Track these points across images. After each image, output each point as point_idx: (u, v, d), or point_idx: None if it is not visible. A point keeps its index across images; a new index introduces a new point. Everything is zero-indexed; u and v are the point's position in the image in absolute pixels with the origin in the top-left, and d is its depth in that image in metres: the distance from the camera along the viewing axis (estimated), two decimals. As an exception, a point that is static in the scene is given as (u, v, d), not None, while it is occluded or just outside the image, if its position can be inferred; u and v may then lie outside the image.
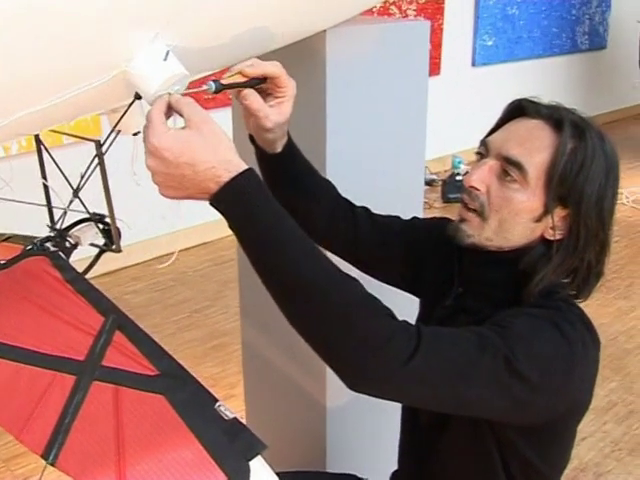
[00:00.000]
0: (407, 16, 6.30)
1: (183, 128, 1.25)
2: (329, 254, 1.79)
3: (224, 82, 1.39)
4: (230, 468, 1.12)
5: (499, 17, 7.25)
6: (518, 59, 7.61)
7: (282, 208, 1.31)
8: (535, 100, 1.54)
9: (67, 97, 1.17)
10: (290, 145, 1.65)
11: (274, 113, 1.50)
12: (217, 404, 1.19)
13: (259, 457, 1.14)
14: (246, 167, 1.26)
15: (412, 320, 1.73)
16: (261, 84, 1.46)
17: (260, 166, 1.66)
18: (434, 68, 6.70)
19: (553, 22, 7.93)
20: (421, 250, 1.75)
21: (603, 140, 1.48)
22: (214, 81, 1.36)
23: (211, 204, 1.28)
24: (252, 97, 1.46)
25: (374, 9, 5.95)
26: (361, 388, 1.32)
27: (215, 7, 1.29)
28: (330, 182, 1.80)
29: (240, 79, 1.42)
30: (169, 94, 1.26)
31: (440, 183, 6.49)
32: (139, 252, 4.89)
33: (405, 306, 1.83)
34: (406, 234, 1.79)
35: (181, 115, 1.26)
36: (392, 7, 6.22)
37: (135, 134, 1.58)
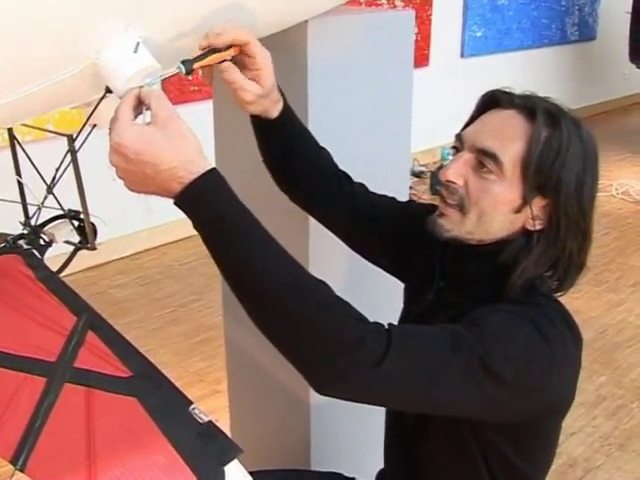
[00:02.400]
0: (395, 7, 6.28)
1: (149, 124, 1.23)
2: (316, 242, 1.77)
3: (197, 64, 1.35)
4: (203, 472, 1.10)
5: (488, 8, 7.26)
6: (507, 50, 7.62)
7: (247, 209, 1.28)
8: (508, 91, 1.53)
9: (35, 90, 1.14)
10: (286, 112, 1.63)
11: (252, 86, 1.49)
12: (191, 407, 1.17)
13: (235, 461, 1.12)
14: (209, 168, 1.24)
15: (396, 313, 1.72)
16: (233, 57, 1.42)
17: (253, 130, 1.67)
18: (423, 59, 6.69)
19: (542, 13, 7.95)
20: (411, 235, 1.73)
21: (579, 127, 1.46)
22: (183, 62, 1.32)
23: (175, 204, 1.26)
24: (231, 70, 1.44)
25: (362, 0, 5.93)
26: (329, 392, 1.30)
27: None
28: (327, 152, 1.79)
29: (213, 59, 1.38)
30: (140, 87, 1.23)
31: (429, 175, 6.48)
32: (125, 246, 4.87)
33: (390, 299, 1.82)
34: (399, 216, 1.78)
35: (149, 108, 1.24)
36: (380, -3, 6.20)
37: (112, 128, 1.55)
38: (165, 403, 1.18)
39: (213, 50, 1.38)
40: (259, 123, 1.63)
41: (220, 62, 1.40)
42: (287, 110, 1.63)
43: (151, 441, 1.13)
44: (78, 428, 1.16)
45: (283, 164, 1.75)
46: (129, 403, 1.18)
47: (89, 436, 1.14)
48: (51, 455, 1.13)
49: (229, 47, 1.40)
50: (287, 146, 1.69)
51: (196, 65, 1.35)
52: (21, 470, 1.12)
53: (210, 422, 1.16)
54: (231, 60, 1.43)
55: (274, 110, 1.60)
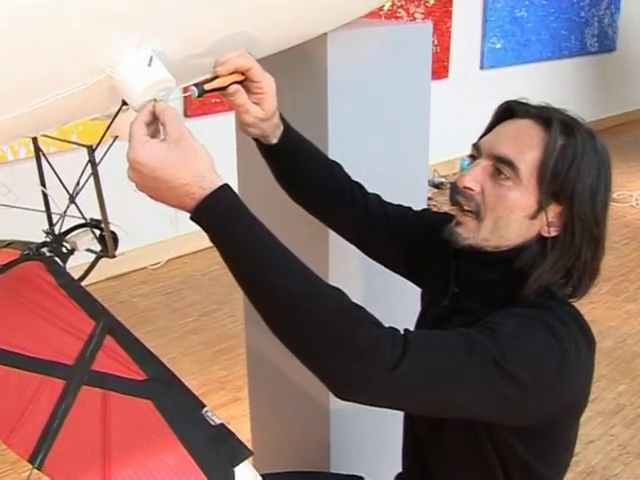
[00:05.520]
0: (415, 19, 6.29)
1: (163, 140, 1.27)
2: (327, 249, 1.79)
3: (206, 87, 1.40)
4: (214, 474, 1.12)
5: (507, 20, 7.24)
6: (527, 62, 7.60)
7: (259, 222, 1.32)
8: (524, 101, 1.56)
9: (52, 101, 1.17)
10: (287, 137, 1.67)
11: (255, 110, 1.53)
12: (204, 409, 1.20)
13: (246, 462, 1.14)
14: (220, 184, 1.29)
15: (413, 319, 1.74)
16: (241, 83, 1.48)
17: (261, 154, 1.71)
18: (442, 71, 6.71)
19: (562, 24, 7.90)
20: (426, 243, 1.76)
21: (593, 138, 1.50)
22: (196, 86, 1.37)
23: (190, 219, 1.30)
24: (238, 93, 1.49)
25: (382, 12, 5.96)
26: (348, 396, 1.33)
27: (204, 11, 1.29)
28: (337, 166, 1.82)
29: (222, 82, 1.43)
30: (155, 100, 1.27)
31: (448, 186, 6.47)
32: (147, 255, 4.90)
33: (410, 307, 1.84)
34: (414, 225, 1.81)
35: (163, 126, 1.28)
36: (400, 10, 6.22)
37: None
38: (179, 405, 1.21)
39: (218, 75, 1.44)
40: (261, 147, 1.69)
41: (228, 85, 1.45)
42: (288, 135, 1.68)
43: (164, 442, 1.16)
44: (94, 429, 1.19)
45: (291, 183, 1.79)
46: (144, 405, 1.21)
47: (105, 437, 1.17)
48: (68, 454, 1.16)
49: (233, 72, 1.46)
50: (291, 168, 1.75)
51: (206, 87, 1.40)
52: (38, 469, 1.15)
53: (222, 424, 1.19)
54: (239, 83, 1.48)
55: (273, 136, 1.64)
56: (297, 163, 1.74)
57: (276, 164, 1.74)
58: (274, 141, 1.65)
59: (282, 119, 1.66)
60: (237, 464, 1.14)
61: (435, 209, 5.91)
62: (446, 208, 6.14)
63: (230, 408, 3.54)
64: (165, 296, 4.76)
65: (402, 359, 1.29)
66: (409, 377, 1.31)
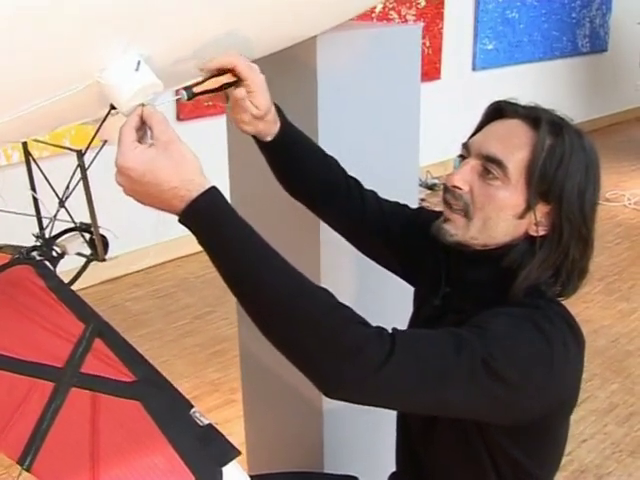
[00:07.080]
0: (406, 21, 6.29)
1: (151, 144, 1.28)
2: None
3: (196, 90, 1.41)
4: (203, 474, 1.13)
5: (499, 21, 7.25)
6: (519, 63, 7.60)
7: (246, 223, 1.33)
8: (513, 101, 1.57)
9: (38, 107, 1.17)
10: (283, 132, 1.67)
11: (250, 107, 1.54)
12: (192, 410, 1.20)
13: (234, 462, 1.15)
14: (208, 186, 1.29)
15: (406, 321, 1.75)
16: (233, 86, 1.48)
17: (258, 148, 1.72)
18: (434, 72, 6.71)
19: (553, 25, 7.92)
20: (420, 241, 1.75)
21: (581, 137, 1.50)
22: (186, 90, 1.38)
23: (179, 221, 1.31)
24: (237, 91, 1.50)
25: (373, 14, 5.97)
26: (337, 395, 1.33)
27: (194, 14, 1.30)
28: (335, 161, 1.83)
29: (212, 84, 1.43)
30: (143, 104, 1.28)
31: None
32: (140, 259, 4.90)
33: (401, 308, 1.84)
34: (409, 222, 1.82)
35: (151, 130, 1.29)
36: (391, 12, 6.22)
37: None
38: (167, 406, 1.22)
39: (210, 76, 1.44)
40: (258, 142, 1.69)
41: (221, 88, 1.46)
42: (284, 132, 1.68)
43: (153, 443, 1.17)
44: (83, 431, 1.19)
45: (288, 177, 1.79)
46: (133, 406, 1.21)
47: (93, 438, 1.17)
48: (56, 456, 1.16)
49: (225, 73, 1.46)
50: (288, 162, 1.75)
51: (196, 89, 1.40)
52: (27, 470, 1.16)
53: (210, 425, 1.20)
54: (231, 85, 1.48)
55: (268, 133, 1.65)
56: (294, 157, 1.74)
57: (273, 159, 1.74)
58: (268, 138, 1.66)
59: (280, 113, 1.66)
60: (225, 464, 1.15)
61: (428, 210, 5.93)
62: (439, 209, 6.14)
63: (224, 410, 3.55)
64: (158, 299, 4.76)
65: (390, 358, 1.30)
66: (397, 375, 1.31)
